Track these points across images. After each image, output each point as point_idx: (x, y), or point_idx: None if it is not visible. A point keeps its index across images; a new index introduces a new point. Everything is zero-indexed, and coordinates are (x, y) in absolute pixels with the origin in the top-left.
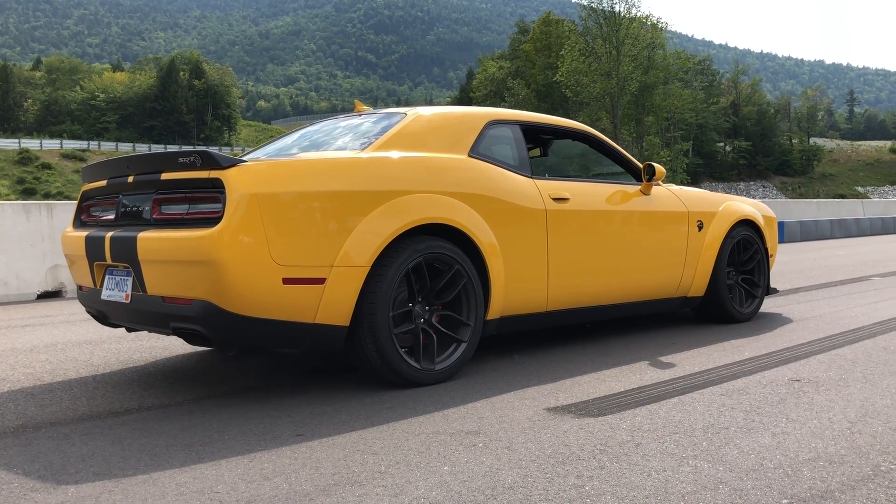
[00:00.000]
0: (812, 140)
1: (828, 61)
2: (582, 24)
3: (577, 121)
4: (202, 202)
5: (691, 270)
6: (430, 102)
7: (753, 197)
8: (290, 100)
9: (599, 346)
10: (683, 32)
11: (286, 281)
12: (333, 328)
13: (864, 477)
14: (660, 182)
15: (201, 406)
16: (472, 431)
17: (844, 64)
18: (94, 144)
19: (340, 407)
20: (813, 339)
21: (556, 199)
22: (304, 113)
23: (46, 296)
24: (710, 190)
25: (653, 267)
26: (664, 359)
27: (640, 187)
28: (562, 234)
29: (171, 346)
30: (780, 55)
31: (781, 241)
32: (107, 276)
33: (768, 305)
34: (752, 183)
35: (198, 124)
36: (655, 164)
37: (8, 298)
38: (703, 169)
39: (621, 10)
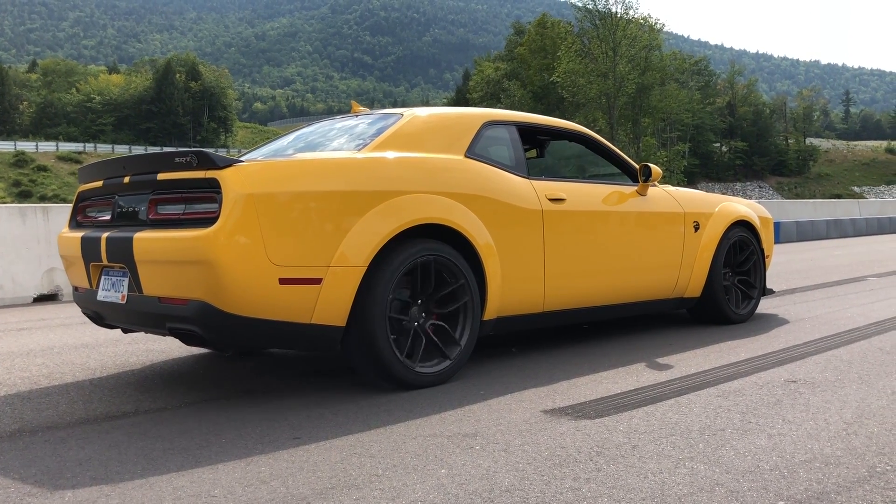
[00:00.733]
0: (808, 140)
1: (823, 61)
2: (578, 26)
3: (574, 122)
4: (198, 202)
5: (687, 271)
6: (426, 104)
7: (750, 197)
8: (287, 101)
9: (596, 347)
10: (679, 33)
11: (282, 281)
12: (330, 329)
13: (860, 478)
14: (656, 183)
15: (198, 409)
16: (469, 434)
17: (840, 64)
18: (90, 147)
19: (337, 410)
20: (809, 340)
21: (552, 200)
22: (301, 114)
23: (42, 299)
24: (706, 190)
25: (649, 268)
26: (661, 360)
27: (636, 188)
28: (558, 235)
29: (168, 349)
30: (775, 55)
31: (777, 241)
32: (103, 277)
33: (764, 306)
34: (748, 183)
35: (194, 126)
36: (651, 165)
37: (3, 302)
38: (699, 169)
39: (618, 11)
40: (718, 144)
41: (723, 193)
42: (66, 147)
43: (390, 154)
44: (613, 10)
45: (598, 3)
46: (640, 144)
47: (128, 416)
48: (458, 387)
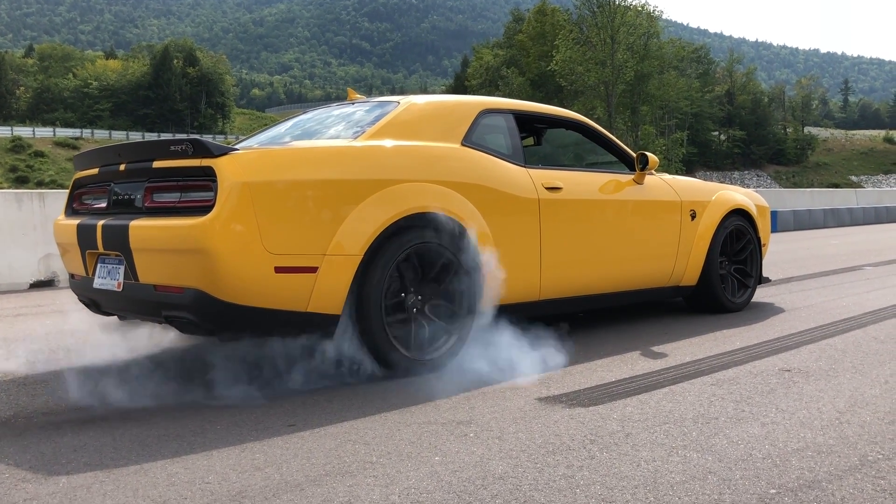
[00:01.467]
0: (806, 129)
1: (823, 50)
2: (576, 13)
3: (572, 110)
4: (194, 190)
5: (684, 260)
6: (424, 91)
7: (748, 186)
8: (285, 88)
9: (591, 335)
10: (679, 21)
11: (278, 270)
12: (326, 317)
13: (852, 467)
14: (653, 171)
15: (192, 396)
16: (463, 421)
17: (839, 53)
18: (87, 132)
19: (332, 396)
20: (804, 329)
21: (549, 189)
22: (299, 101)
23: (39, 285)
24: (704, 179)
25: (645, 256)
26: (655, 348)
27: (633, 177)
28: (555, 224)
29: (163, 336)
30: (774, 44)
31: (774, 230)
32: (99, 265)
33: (760, 295)
34: (746, 172)
35: (191, 112)
36: (648, 154)
37: (0, 288)
38: (697, 158)
39: None
40: (717, 133)
41: (721, 182)
42: (63, 133)
43: (387, 142)
44: None
45: None
46: (638, 132)
47: (122, 402)
48: (452, 374)
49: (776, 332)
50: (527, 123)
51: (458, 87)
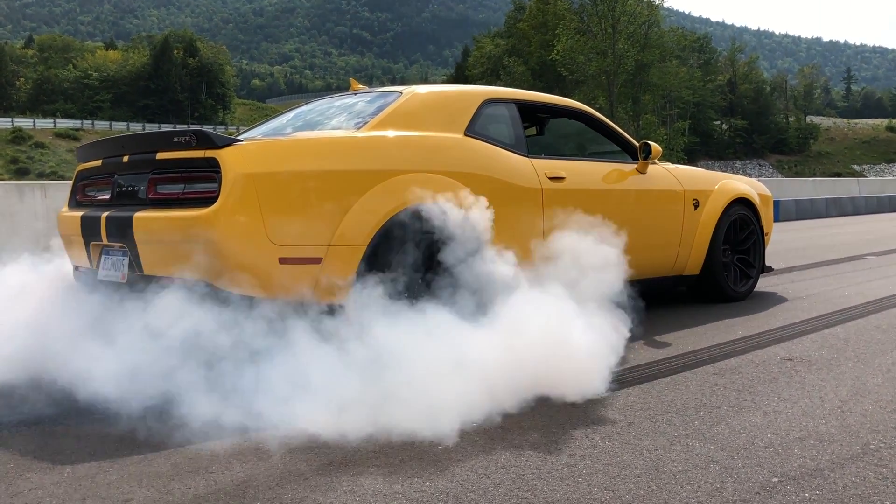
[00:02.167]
0: (808, 118)
1: (825, 38)
2: (577, 2)
3: (575, 100)
4: (198, 182)
5: (687, 249)
6: (425, 81)
7: (750, 175)
8: (285, 78)
9: None
10: (680, 10)
11: (282, 260)
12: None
13: (854, 455)
14: (656, 161)
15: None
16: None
17: (842, 41)
18: (87, 123)
19: None
20: (806, 318)
21: (552, 178)
22: (299, 91)
23: None
24: (706, 168)
25: (648, 246)
26: (658, 338)
27: (636, 166)
28: (558, 213)
29: None
30: (776, 32)
31: (777, 220)
32: (103, 257)
33: (762, 284)
34: (748, 161)
35: (192, 103)
36: (652, 143)
37: None
38: (699, 147)
39: None
40: (719, 122)
41: (723, 171)
42: (64, 124)
43: (390, 133)
44: None
45: None
46: (640, 122)
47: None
48: None
49: (778, 321)
50: (530, 113)
51: (460, 77)
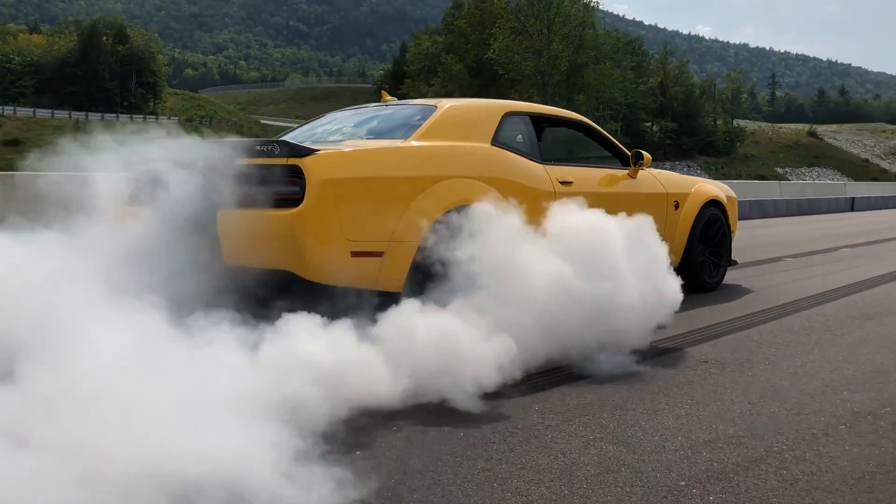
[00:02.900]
0: (735, 121)
1: (752, 45)
2: (514, 2)
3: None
4: (281, 185)
5: (668, 244)
6: (362, 75)
7: None
8: (219, 68)
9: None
10: (615, 12)
11: (354, 254)
12: (390, 294)
13: (758, 457)
14: (644, 167)
15: None
16: (388, 415)
17: (767, 48)
18: (9, 109)
19: None
20: (722, 321)
21: (562, 183)
22: (234, 82)
23: None
24: None
25: None
26: None
27: (627, 171)
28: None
29: None
30: (706, 37)
31: None
32: None
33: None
34: (677, 163)
35: (121, 91)
36: (643, 152)
37: None
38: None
39: None
40: (650, 124)
41: None
42: None
43: (433, 143)
44: None
45: None
46: None
47: None
48: None
49: (698, 322)
50: (540, 123)
51: (397, 73)
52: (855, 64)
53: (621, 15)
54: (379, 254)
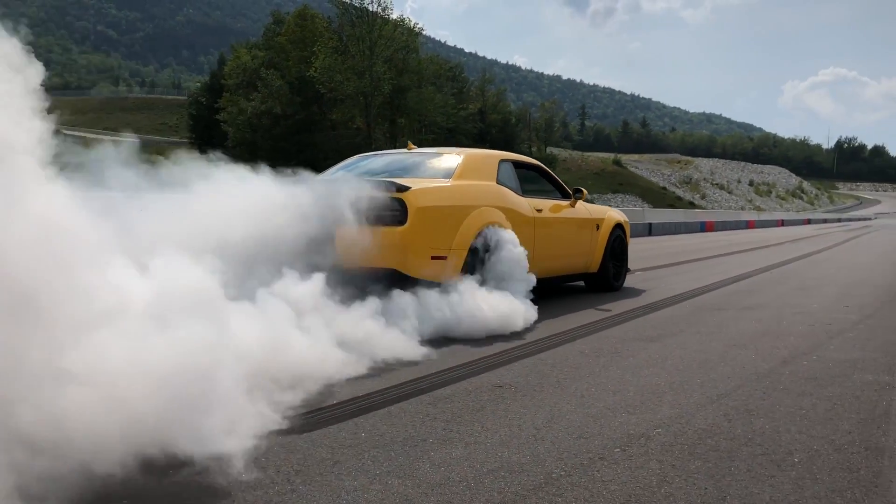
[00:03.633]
0: (549, 149)
1: (564, 76)
2: (337, 22)
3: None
4: (388, 210)
5: (591, 256)
6: (177, 86)
7: None
8: None
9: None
10: (437, 38)
11: (433, 258)
12: (450, 283)
13: (537, 485)
14: (582, 200)
15: None
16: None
17: (578, 80)
18: None
19: None
20: (518, 345)
21: (536, 210)
22: None
23: None
24: None
25: (576, 254)
26: (382, 366)
27: (569, 202)
28: (540, 232)
29: None
30: (523, 67)
31: None
32: None
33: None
34: None
35: None
36: (582, 189)
37: None
38: None
39: (375, 8)
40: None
41: None
42: None
43: (466, 182)
44: (370, 8)
45: (354, 0)
46: (396, 144)
47: None
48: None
49: (495, 347)
50: (517, 167)
51: (215, 86)
52: (655, 98)
53: (443, 41)
54: (444, 258)
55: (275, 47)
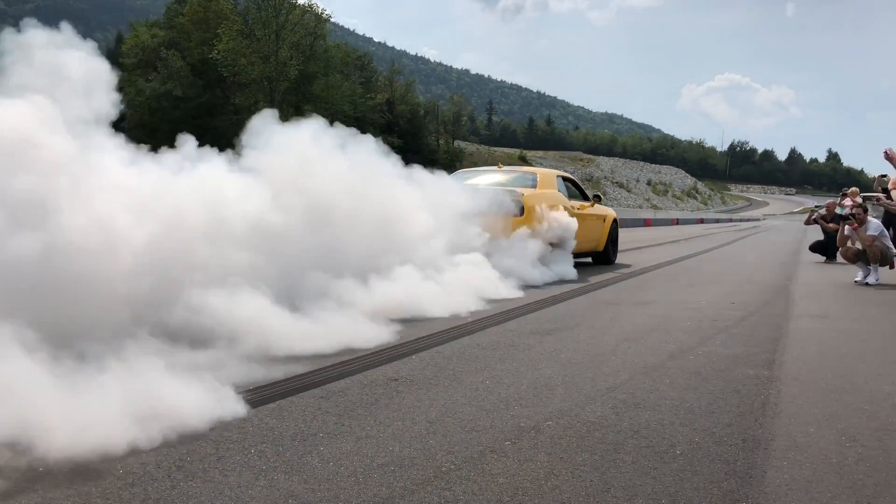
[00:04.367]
0: (456, 142)
1: (473, 71)
2: (242, 4)
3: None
4: (515, 206)
5: (600, 240)
6: None
7: None
8: None
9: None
10: (346, 26)
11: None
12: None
13: (426, 479)
14: (596, 203)
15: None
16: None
17: (486, 75)
18: None
19: None
20: (416, 337)
21: (576, 208)
22: None
23: None
24: None
25: (593, 238)
26: (273, 357)
27: (591, 203)
28: (584, 223)
29: None
30: (432, 60)
31: None
32: None
33: None
34: None
35: None
36: (600, 194)
37: None
38: None
39: None
40: (378, 139)
41: None
42: None
43: (544, 191)
44: None
45: None
46: None
47: None
48: None
49: (392, 340)
50: (563, 180)
51: (113, 64)
52: (560, 97)
53: (352, 29)
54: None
55: (176, 27)
